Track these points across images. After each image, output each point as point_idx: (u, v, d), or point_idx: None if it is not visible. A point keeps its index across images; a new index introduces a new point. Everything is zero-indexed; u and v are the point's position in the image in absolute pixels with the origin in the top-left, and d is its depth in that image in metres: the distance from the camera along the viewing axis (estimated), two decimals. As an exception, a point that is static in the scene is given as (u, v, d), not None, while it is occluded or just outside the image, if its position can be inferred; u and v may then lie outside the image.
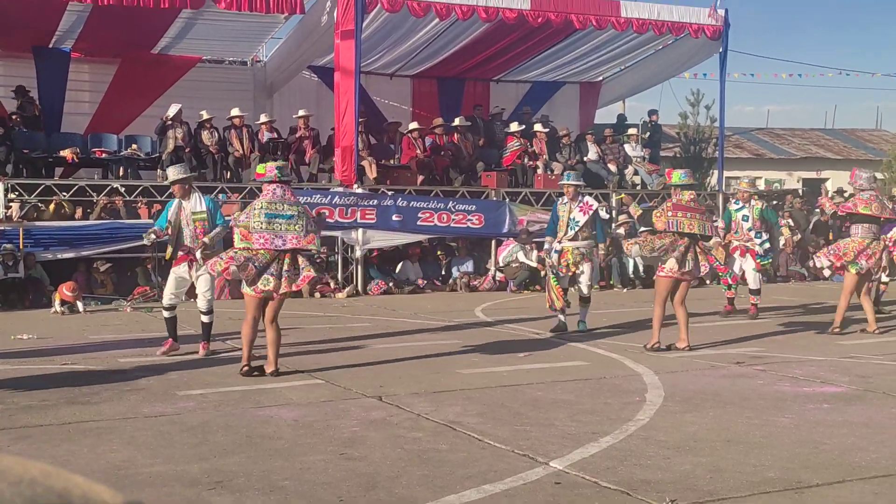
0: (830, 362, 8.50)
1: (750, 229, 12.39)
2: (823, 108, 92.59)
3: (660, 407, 6.39)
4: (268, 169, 7.79)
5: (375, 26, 17.15)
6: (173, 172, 9.11)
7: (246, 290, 7.57)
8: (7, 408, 6.41)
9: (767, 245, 12.52)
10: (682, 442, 5.38)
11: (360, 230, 16.06)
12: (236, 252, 7.46)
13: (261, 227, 7.37)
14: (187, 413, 6.22)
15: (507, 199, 17.59)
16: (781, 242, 15.44)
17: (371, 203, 16.13)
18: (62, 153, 15.72)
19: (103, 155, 16.29)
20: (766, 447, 5.26)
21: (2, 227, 14.01)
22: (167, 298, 9.04)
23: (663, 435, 5.54)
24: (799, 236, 19.11)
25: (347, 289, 15.80)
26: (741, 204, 12.65)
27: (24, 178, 15.12)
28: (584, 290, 10.66)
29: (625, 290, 17.14)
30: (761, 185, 28.27)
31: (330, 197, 15.85)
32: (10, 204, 14.53)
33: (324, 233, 16.02)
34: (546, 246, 10.89)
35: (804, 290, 16.90)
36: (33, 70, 17.71)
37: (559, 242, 10.54)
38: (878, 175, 27.00)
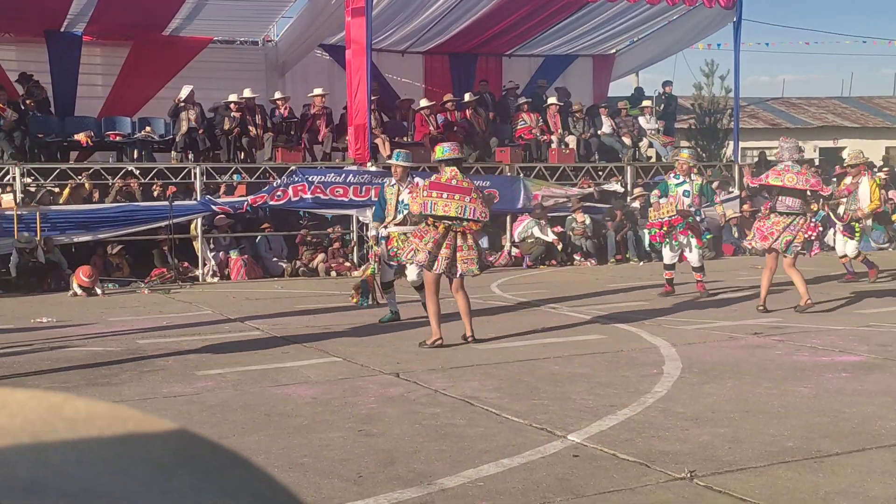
0: (849, 331, 8.45)
1: (690, 206, 11.62)
2: (840, 77, 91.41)
3: (677, 379, 6.38)
4: None
5: (386, 2, 17.05)
6: None
7: None
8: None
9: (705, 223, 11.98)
10: (701, 413, 5.37)
11: (375, 208, 16.04)
12: None
13: None
14: (206, 392, 6.26)
15: (522, 175, 17.53)
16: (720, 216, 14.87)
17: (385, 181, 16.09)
18: (76, 137, 15.76)
19: (117, 138, 16.33)
20: (785, 417, 5.25)
21: (19, 212, 14.08)
22: None
23: (681, 406, 5.53)
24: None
25: (363, 267, 15.81)
26: (681, 178, 11.72)
27: (39, 162, 15.18)
28: (410, 276, 9.65)
29: (641, 263, 17.10)
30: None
31: (343, 175, 15.85)
32: (27, 189, 14.59)
33: (339, 211, 16.34)
34: (372, 232, 9.98)
35: (819, 259, 16.76)
36: (46, 54, 17.73)
37: (385, 228, 9.58)
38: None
